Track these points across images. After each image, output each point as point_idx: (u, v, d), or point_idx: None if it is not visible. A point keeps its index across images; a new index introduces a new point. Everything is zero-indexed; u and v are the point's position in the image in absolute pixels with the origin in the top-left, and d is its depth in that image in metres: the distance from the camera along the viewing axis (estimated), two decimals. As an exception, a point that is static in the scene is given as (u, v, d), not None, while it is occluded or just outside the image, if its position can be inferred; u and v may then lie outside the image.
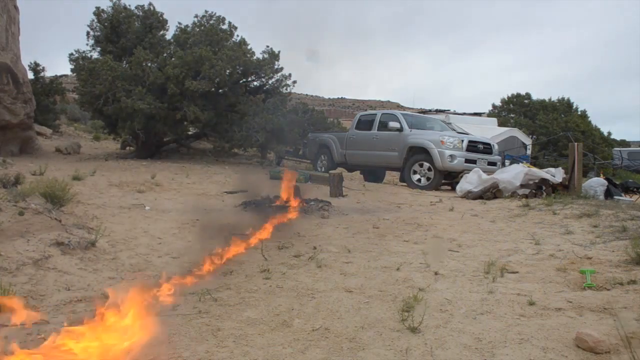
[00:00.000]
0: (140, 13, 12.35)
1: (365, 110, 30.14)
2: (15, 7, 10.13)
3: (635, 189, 8.97)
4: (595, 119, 48.15)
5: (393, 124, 10.03)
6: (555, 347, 2.08)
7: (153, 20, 12.32)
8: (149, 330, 2.12)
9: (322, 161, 12.05)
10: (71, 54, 11.76)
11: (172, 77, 10.69)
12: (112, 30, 11.99)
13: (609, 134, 30.22)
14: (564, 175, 7.42)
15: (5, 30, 9.43)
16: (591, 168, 17.37)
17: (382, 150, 10.30)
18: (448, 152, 9.03)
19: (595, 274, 2.99)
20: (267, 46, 12.39)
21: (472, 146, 9.51)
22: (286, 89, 12.85)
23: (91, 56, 11.99)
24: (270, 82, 12.74)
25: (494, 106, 31.11)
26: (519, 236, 4.39)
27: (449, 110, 18.85)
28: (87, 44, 12.23)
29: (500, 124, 21.35)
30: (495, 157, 10.08)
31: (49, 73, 15.25)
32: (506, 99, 30.78)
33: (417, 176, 9.44)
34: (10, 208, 3.90)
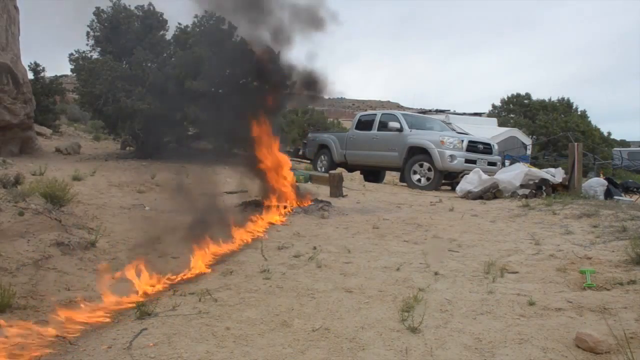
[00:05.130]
0: (140, 13, 12.35)
1: (365, 110, 30.13)
2: (15, 7, 10.12)
3: (635, 189, 8.96)
4: (595, 119, 48.15)
5: (393, 124, 10.03)
6: (555, 347, 2.07)
7: (153, 21, 12.32)
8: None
9: (322, 161, 12.04)
10: (71, 54, 11.76)
11: (172, 77, 10.69)
12: (112, 31, 11.98)
13: (609, 134, 30.26)
14: (564, 175, 7.41)
15: (5, 30, 9.43)
16: (591, 168, 17.36)
17: (382, 151, 10.29)
18: (448, 152, 9.03)
19: (595, 274, 2.99)
20: (267, 46, 12.38)
21: (472, 146, 9.52)
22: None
23: (91, 56, 11.99)
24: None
25: (494, 106, 31.14)
26: (519, 236, 4.39)
27: (449, 110, 18.87)
28: (87, 44, 12.23)
29: (500, 124, 21.37)
30: (495, 157, 10.08)
31: (49, 73, 15.26)
32: (506, 99, 30.80)
33: (417, 176, 9.44)
34: (10, 208, 3.90)
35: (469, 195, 7.54)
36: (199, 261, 3.45)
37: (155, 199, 6.20)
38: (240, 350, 2.07)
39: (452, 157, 9.01)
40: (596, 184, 7.46)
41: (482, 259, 3.54)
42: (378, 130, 10.56)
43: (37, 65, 14.15)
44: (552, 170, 7.83)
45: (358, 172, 10.95)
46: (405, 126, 9.97)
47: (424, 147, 9.35)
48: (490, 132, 15.41)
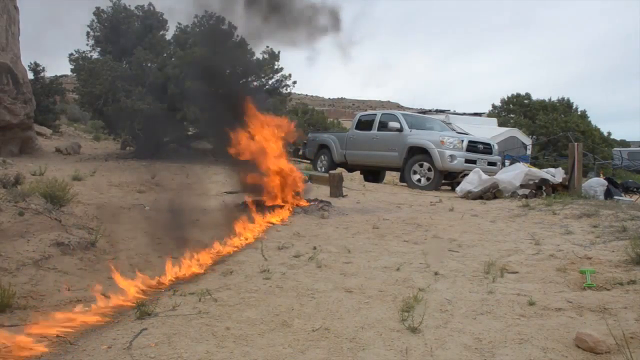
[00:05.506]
0: (140, 13, 12.36)
1: (365, 110, 30.11)
2: (15, 7, 10.13)
3: (635, 189, 8.96)
4: (595, 119, 48.15)
5: (393, 124, 10.03)
6: (555, 347, 2.07)
7: (153, 21, 12.34)
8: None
9: (322, 161, 12.04)
10: (71, 54, 11.79)
11: (172, 77, 10.70)
12: (112, 31, 12.00)
13: (609, 134, 30.26)
14: (564, 175, 7.41)
15: (5, 30, 9.44)
16: (591, 168, 17.37)
17: (382, 150, 10.30)
18: (448, 152, 9.03)
19: (595, 274, 2.99)
20: (267, 46, 12.40)
21: (472, 146, 9.52)
22: (286, 89, 12.87)
23: (91, 56, 12.01)
24: (270, 82, 12.76)
25: (494, 106, 31.13)
26: (519, 236, 4.39)
27: (449, 110, 18.86)
28: (87, 44, 12.26)
29: (500, 124, 21.37)
30: (495, 157, 10.08)
31: (49, 73, 15.29)
32: (506, 99, 30.80)
33: (417, 176, 9.44)
34: (10, 208, 3.90)
35: (469, 195, 7.54)
36: (198, 261, 3.45)
37: (155, 198, 6.21)
38: (240, 350, 2.07)
39: (452, 157, 9.00)
40: (596, 184, 7.46)
41: (482, 259, 3.54)
42: (378, 130, 10.56)
43: (37, 65, 14.18)
44: (552, 170, 7.83)
45: (358, 172, 10.96)
46: (405, 126, 9.97)
47: (424, 147, 9.34)
48: (490, 132, 15.41)
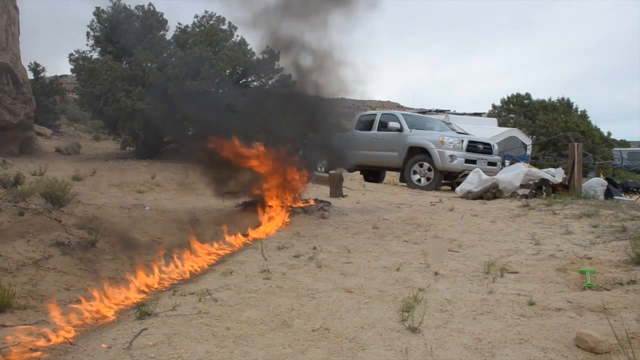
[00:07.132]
0: (140, 13, 12.36)
1: (365, 110, 30.07)
2: (15, 8, 10.14)
3: (635, 189, 8.96)
4: (595, 119, 48.12)
5: (393, 124, 10.03)
6: (555, 347, 2.07)
7: (153, 21, 12.34)
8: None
9: (322, 161, 12.03)
10: (71, 54, 11.78)
11: (172, 77, 10.70)
12: (112, 31, 12.00)
13: (609, 134, 30.28)
14: (564, 175, 7.41)
15: (5, 31, 9.44)
16: (591, 168, 17.37)
17: (382, 150, 10.29)
18: (448, 152, 9.03)
19: (595, 274, 2.99)
20: (267, 46, 12.37)
21: (472, 146, 9.52)
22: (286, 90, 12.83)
23: (91, 56, 12.01)
24: (270, 82, 12.74)
25: (494, 106, 31.15)
26: (519, 236, 4.39)
27: (449, 110, 18.86)
28: (87, 44, 12.25)
29: (500, 124, 21.38)
30: (495, 157, 10.08)
31: (49, 73, 15.32)
32: (506, 99, 30.82)
33: (417, 176, 9.44)
34: (11, 208, 3.91)
35: (469, 195, 7.53)
36: (200, 262, 3.45)
37: (155, 198, 6.21)
38: (240, 350, 2.07)
39: (452, 157, 9.01)
40: (596, 184, 7.45)
41: (482, 259, 3.54)
42: (378, 130, 10.55)
43: (37, 65, 14.20)
44: (552, 170, 7.83)
45: (358, 172, 10.95)
46: (405, 126, 9.97)
47: (424, 147, 9.34)
48: (490, 132, 15.42)
